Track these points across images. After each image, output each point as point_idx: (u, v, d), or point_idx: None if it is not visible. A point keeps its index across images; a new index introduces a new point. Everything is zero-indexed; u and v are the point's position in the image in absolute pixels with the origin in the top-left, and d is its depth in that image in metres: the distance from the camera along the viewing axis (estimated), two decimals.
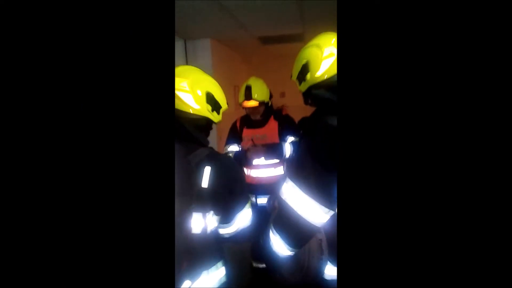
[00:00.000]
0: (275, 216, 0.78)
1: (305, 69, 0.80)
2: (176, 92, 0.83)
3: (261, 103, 1.67)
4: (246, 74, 3.96)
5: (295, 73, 0.86)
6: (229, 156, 0.74)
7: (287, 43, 3.22)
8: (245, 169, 1.79)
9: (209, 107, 0.87)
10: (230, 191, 0.85)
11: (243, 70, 4.13)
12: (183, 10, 1.91)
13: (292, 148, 1.66)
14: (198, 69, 0.93)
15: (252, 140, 1.70)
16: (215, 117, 0.91)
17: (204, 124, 0.89)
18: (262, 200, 1.71)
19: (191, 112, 0.84)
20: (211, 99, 0.88)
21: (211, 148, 0.87)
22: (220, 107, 0.91)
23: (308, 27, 2.68)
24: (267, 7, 1.94)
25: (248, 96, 1.64)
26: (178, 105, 0.83)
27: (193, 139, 0.84)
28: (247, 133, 1.77)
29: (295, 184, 0.73)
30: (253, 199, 1.75)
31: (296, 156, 0.82)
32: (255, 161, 1.72)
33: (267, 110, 1.75)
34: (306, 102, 0.86)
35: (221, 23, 2.24)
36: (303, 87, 0.83)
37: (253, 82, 1.69)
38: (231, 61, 3.56)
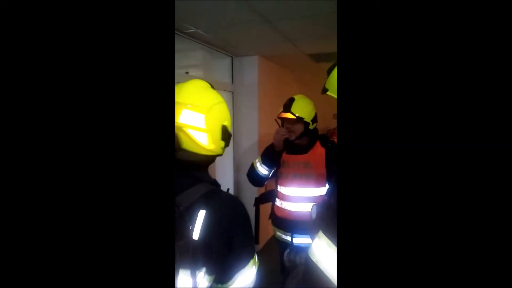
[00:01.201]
0: (300, 279, 0.59)
1: None
2: (188, 130, 0.66)
3: (299, 120, 1.47)
4: (298, 93, 3.75)
5: (333, 86, 0.68)
6: (233, 195, 0.58)
7: None
8: (278, 202, 1.60)
9: (223, 144, 0.72)
10: (230, 244, 0.65)
11: (296, 90, 3.97)
12: (230, 26, 1.84)
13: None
14: (205, 83, 0.76)
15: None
16: (223, 150, 0.75)
17: (211, 161, 0.73)
18: (300, 240, 1.49)
19: (203, 153, 0.69)
20: (226, 134, 0.71)
21: (213, 184, 0.70)
22: (230, 136, 0.74)
23: None
24: (313, 21, 1.75)
25: (287, 108, 1.48)
26: (187, 144, 0.66)
27: (189, 175, 0.68)
28: (287, 158, 1.57)
29: (332, 241, 0.54)
30: (288, 238, 1.53)
31: (335, 202, 0.63)
32: (291, 192, 1.52)
33: (311, 135, 1.54)
34: None
35: (268, 39, 2.12)
36: None
37: (298, 97, 1.54)
38: (282, 80, 3.44)
